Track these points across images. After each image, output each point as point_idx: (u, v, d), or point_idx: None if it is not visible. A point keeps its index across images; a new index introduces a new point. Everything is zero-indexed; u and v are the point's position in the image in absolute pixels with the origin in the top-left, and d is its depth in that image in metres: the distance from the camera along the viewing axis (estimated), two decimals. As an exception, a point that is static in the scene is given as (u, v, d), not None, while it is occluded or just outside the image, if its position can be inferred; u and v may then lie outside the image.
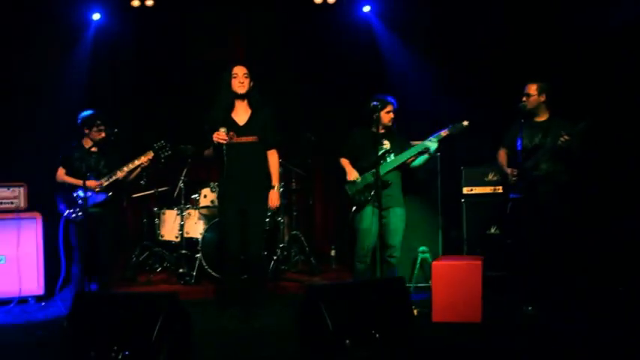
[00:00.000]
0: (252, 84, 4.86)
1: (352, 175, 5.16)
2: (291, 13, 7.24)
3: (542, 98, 5.20)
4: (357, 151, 5.24)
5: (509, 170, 5.24)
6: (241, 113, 4.86)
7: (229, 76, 4.80)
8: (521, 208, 5.10)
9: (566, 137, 4.89)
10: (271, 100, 5.06)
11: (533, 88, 5.16)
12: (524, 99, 5.16)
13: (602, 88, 5.93)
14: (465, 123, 5.02)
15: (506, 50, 6.55)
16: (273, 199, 4.92)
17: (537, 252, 5.08)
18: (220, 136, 4.69)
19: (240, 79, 4.78)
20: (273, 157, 4.97)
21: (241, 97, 4.82)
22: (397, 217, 5.13)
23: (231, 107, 4.85)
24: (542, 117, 5.25)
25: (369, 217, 5.07)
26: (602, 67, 6.01)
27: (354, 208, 5.16)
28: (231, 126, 4.78)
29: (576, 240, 5.40)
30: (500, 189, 5.98)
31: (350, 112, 6.71)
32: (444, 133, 5.04)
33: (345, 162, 5.27)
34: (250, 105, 4.87)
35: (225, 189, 4.88)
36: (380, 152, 5.08)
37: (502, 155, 5.41)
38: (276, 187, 4.92)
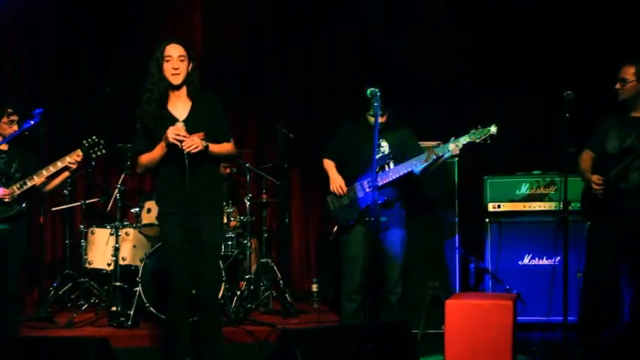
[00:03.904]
0: (191, 67, 4.57)
1: (335, 183, 5.01)
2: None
3: None
4: (344, 153, 5.13)
5: (594, 177, 4.96)
6: (179, 105, 4.61)
7: (160, 58, 4.50)
8: (599, 233, 4.92)
9: None
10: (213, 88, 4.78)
11: (630, 72, 4.92)
12: (617, 85, 4.95)
13: None
14: (493, 129, 4.84)
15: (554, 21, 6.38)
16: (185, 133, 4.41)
17: (615, 295, 4.91)
18: (179, 132, 4.37)
19: (173, 64, 4.48)
20: (225, 145, 4.68)
21: (176, 87, 4.55)
22: (396, 240, 5.00)
23: (165, 98, 4.58)
24: None
25: (358, 241, 4.96)
26: None
27: (335, 227, 5.08)
28: (168, 122, 4.50)
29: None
30: (549, 206, 5.80)
31: (341, 100, 6.54)
32: (459, 143, 4.83)
33: (329, 165, 5.15)
34: (189, 95, 4.63)
35: (168, 204, 4.63)
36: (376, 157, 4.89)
37: (584, 159, 5.15)
38: (206, 144, 4.46)
